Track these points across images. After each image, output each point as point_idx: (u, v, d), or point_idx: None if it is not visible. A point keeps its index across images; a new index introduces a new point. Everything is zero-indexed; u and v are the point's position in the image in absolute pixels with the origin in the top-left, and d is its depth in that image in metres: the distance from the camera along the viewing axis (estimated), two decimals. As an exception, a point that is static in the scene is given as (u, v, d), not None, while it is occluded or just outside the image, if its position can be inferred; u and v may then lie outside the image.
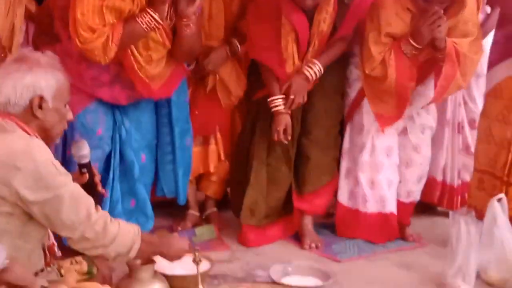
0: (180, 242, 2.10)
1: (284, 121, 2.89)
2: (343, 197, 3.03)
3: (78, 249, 1.86)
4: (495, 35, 2.92)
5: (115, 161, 2.80)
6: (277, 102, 2.90)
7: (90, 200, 1.82)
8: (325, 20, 2.89)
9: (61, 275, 2.01)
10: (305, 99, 2.91)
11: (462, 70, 2.75)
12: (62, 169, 1.78)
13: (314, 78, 2.88)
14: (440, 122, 3.22)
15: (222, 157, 3.20)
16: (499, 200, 2.56)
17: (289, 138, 2.90)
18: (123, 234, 1.87)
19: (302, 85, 2.89)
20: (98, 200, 2.03)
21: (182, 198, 3.06)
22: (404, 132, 2.99)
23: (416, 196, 3.08)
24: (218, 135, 3.18)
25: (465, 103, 3.35)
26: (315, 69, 2.87)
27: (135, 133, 2.85)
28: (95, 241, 1.82)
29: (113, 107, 2.79)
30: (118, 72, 2.69)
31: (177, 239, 2.12)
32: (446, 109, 3.30)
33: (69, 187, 1.77)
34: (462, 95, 3.33)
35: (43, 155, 1.73)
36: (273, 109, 2.92)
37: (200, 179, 3.28)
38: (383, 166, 2.94)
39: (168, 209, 3.25)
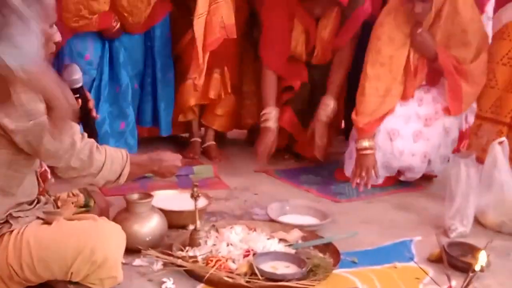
0: (172, 157, 2.06)
1: (270, 141, 2.95)
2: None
3: (65, 178, 1.81)
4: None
5: (103, 83, 2.97)
6: (269, 116, 2.98)
7: (75, 127, 1.75)
8: (326, 26, 3.06)
9: (58, 207, 2.01)
10: (325, 141, 3.13)
11: (470, 79, 2.78)
12: None
13: (332, 116, 3.11)
14: None
15: (229, 90, 3.21)
16: (500, 143, 2.53)
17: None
18: (111, 161, 1.81)
19: (323, 130, 3.10)
20: (92, 125, 2.00)
21: (164, 129, 3.29)
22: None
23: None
24: (226, 68, 3.22)
25: None
26: (329, 110, 3.07)
27: (128, 61, 3.05)
28: (81, 170, 1.76)
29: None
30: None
31: (169, 155, 2.07)
32: None
33: None
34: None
35: None
36: (262, 124, 2.99)
37: (205, 113, 3.30)
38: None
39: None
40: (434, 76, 2.87)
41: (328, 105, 3.08)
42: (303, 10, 3.03)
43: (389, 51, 2.78)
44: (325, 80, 3.17)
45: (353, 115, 2.79)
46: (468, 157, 2.43)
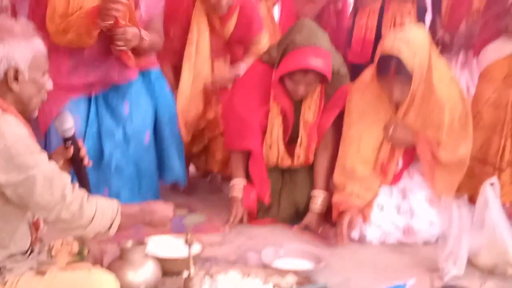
0: (164, 208, 2.04)
1: (240, 210, 2.91)
2: None
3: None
4: (483, 16, 2.90)
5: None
6: (236, 188, 2.93)
7: (65, 179, 1.74)
8: (310, 106, 2.87)
9: (52, 256, 2.00)
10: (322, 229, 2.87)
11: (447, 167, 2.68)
12: (35, 147, 1.70)
13: (325, 206, 2.88)
14: None
15: None
16: (491, 184, 2.56)
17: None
18: (102, 213, 1.80)
19: (318, 221, 2.88)
20: (84, 173, 1.99)
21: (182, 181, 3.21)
22: None
23: None
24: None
25: (467, 88, 3.36)
26: (320, 202, 2.88)
27: (135, 115, 2.97)
28: (71, 222, 1.75)
29: (94, 101, 2.92)
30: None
31: (161, 205, 2.04)
32: None
33: (42, 166, 1.69)
34: (466, 80, 3.33)
35: (14, 132, 1.64)
36: (231, 194, 2.94)
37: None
38: None
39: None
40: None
41: (319, 197, 2.89)
42: (281, 90, 2.83)
43: (358, 128, 2.72)
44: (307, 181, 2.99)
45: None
46: (460, 198, 2.45)
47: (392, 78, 2.52)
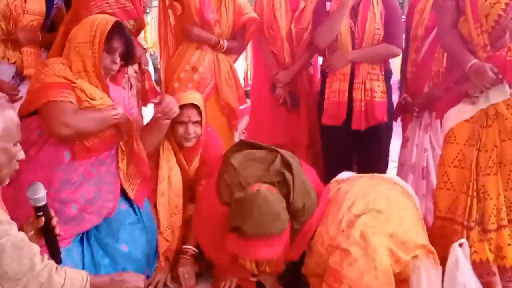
0: (134, 278, 2.03)
1: None
2: None
3: None
4: (445, 80, 2.99)
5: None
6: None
7: (35, 249, 1.74)
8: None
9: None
10: None
11: None
12: (5, 217, 1.70)
13: None
14: (404, 167, 3.23)
15: None
16: (461, 245, 2.56)
17: None
18: (70, 283, 1.78)
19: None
20: (55, 243, 1.98)
21: None
22: None
23: None
24: None
25: (433, 148, 3.41)
26: None
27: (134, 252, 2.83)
28: None
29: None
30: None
31: (131, 276, 2.04)
32: (411, 154, 3.34)
33: (11, 236, 1.68)
34: (429, 141, 3.39)
35: None
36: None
37: None
38: None
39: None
40: None
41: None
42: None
43: None
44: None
45: None
46: (428, 259, 2.45)
47: None
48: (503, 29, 2.74)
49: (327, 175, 3.24)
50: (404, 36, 3.61)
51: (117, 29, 2.72)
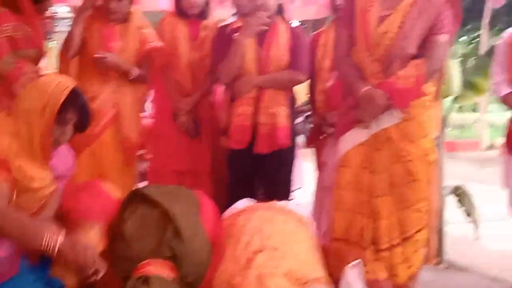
0: None
1: None
2: None
3: None
4: (340, 106, 3.10)
5: None
6: None
7: None
8: None
9: None
10: None
11: None
12: None
13: None
14: (322, 190, 3.30)
15: None
16: (355, 265, 2.65)
17: None
18: None
19: None
20: None
21: None
22: None
23: None
24: None
25: None
26: None
27: None
28: None
29: None
30: None
31: None
32: (329, 177, 3.43)
33: None
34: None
35: None
36: None
37: None
38: None
39: None
40: None
41: None
42: None
43: None
44: None
45: None
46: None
47: None
48: (393, 57, 2.89)
49: (230, 200, 3.25)
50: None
51: (73, 97, 2.41)
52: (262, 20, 3.45)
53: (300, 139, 9.18)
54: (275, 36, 3.50)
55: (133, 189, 2.92)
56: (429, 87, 2.98)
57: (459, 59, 13.30)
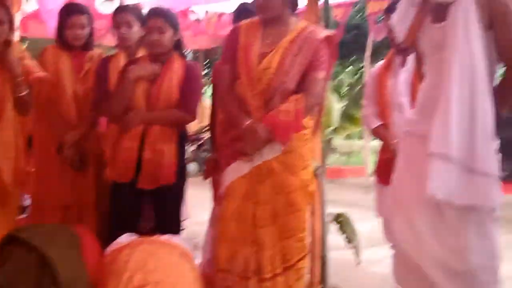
0: None
1: None
2: None
3: None
4: (224, 139, 3.17)
5: None
6: None
7: None
8: None
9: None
10: None
11: None
12: None
13: None
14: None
15: None
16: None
17: None
18: None
19: None
20: None
21: None
22: None
23: None
24: None
25: None
26: None
27: None
28: None
29: None
30: None
31: None
32: None
33: None
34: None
35: None
36: None
37: None
38: None
39: None
40: None
41: None
42: None
43: None
44: None
45: None
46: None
47: None
48: (274, 92, 3.01)
49: (114, 235, 3.21)
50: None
51: None
52: (151, 69, 3.46)
53: (193, 168, 9.15)
54: (168, 72, 3.49)
55: (8, 232, 2.80)
56: (309, 121, 3.13)
57: (347, 88, 13.99)
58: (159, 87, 3.47)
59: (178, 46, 3.56)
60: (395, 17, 2.81)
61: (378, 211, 3.75)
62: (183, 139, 3.67)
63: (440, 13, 2.60)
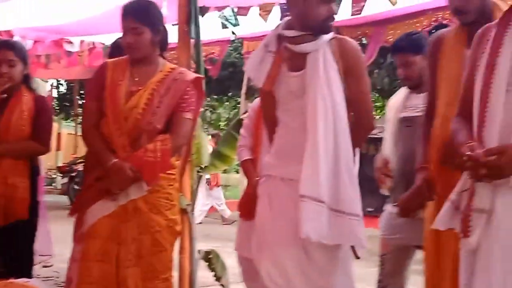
0: None
1: None
2: None
3: None
4: (87, 178, 3.11)
5: None
6: None
7: None
8: None
9: None
10: None
11: None
12: None
13: None
14: None
15: None
16: None
17: None
18: None
19: None
20: None
21: None
22: None
23: None
24: None
25: None
26: None
27: None
28: None
29: None
30: None
31: None
32: None
33: None
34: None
35: None
36: None
37: None
38: None
39: None
40: None
41: None
42: None
43: None
44: None
45: None
46: None
47: None
48: (141, 131, 2.99)
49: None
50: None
51: None
52: None
53: (64, 200, 8.83)
54: (18, 105, 3.45)
55: None
56: (176, 161, 3.14)
57: (224, 122, 14.14)
58: (9, 120, 3.42)
59: (27, 79, 3.56)
60: (249, 64, 2.89)
61: (236, 245, 3.77)
62: (36, 173, 3.59)
63: (297, 62, 2.73)
